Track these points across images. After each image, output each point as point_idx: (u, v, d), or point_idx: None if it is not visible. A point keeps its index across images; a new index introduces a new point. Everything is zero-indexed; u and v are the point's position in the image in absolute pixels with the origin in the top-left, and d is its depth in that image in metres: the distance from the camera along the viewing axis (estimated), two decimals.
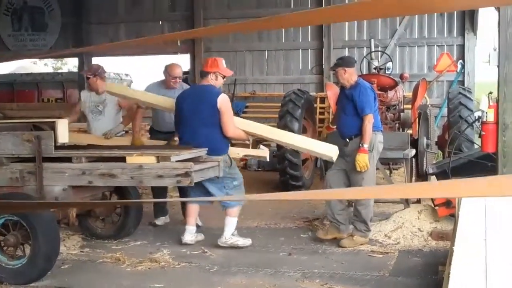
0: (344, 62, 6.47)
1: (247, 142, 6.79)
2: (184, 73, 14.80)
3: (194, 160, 5.72)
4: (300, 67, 13.57)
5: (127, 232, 6.68)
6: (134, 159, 5.52)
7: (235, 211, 6.32)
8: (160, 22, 14.10)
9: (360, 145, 6.13)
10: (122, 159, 5.55)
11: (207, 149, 5.97)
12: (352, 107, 6.28)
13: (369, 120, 6.19)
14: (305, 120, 9.75)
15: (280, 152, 9.05)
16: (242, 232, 6.79)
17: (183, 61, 14.88)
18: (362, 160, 6.08)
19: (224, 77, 6.37)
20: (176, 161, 5.43)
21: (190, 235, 6.40)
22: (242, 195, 6.43)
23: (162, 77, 7.33)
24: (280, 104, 9.60)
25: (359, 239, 6.29)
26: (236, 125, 6.27)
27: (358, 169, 6.12)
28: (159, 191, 7.18)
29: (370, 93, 6.32)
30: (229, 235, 6.25)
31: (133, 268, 5.67)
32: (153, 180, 5.47)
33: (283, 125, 8.96)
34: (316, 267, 5.58)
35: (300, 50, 13.57)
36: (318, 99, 12.63)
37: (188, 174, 5.29)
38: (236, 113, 13.29)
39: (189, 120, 6.20)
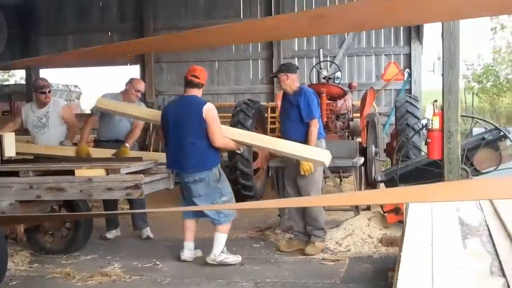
0: (286, 68, 6.55)
1: (239, 151, 6.54)
2: None
3: (145, 172, 5.69)
4: (251, 77, 13.64)
5: (77, 247, 6.57)
6: (83, 172, 5.45)
7: (225, 227, 6.08)
8: (109, 33, 13.98)
9: None
10: (71, 172, 5.47)
11: (155, 161, 5.95)
12: (297, 112, 6.34)
13: (315, 125, 6.29)
14: (256, 130, 9.78)
15: (232, 162, 9.07)
16: (196, 243, 6.77)
17: (133, 72, 14.79)
18: (307, 163, 6.17)
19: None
20: (126, 173, 5.39)
21: (189, 251, 6.22)
22: (231, 212, 6.12)
23: (119, 89, 7.40)
24: (231, 114, 9.62)
25: (321, 245, 6.41)
26: (224, 134, 6.02)
27: (302, 172, 6.22)
28: (110, 204, 7.11)
29: (315, 98, 6.42)
30: (219, 252, 6.00)
31: (84, 283, 5.57)
32: (103, 193, 5.41)
33: None
34: (269, 277, 5.60)
35: (251, 60, 13.64)
36: (269, 109, 12.68)
37: (138, 186, 5.26)
38: None
39: (174, 133, 5.97)
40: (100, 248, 6.82)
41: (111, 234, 7.24)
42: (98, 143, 7.53)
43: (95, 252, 6.60)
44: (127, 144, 6.97)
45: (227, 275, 5.70)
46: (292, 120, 6.39)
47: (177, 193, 6.63)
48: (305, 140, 6.24)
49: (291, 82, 6.41)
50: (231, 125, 9.24)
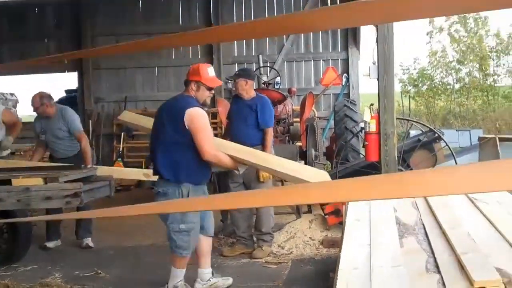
0: (246, 74, 6.64)
1: (238, 172, 5.33)
2: (72, 91, 14.52)
3: (84, 180, 5.62)
4: None
5: (16, 258, 6.42)
6: (20, 181, 5.35)
7: (176, 260, 5.20)
8: (46, 40, 13.71)
9: None
10: (8, 182, 5.36)
11: (97, 167, 5.79)
12: (254, 118, 6.40)
13: (271, 133, 6.43)
14: None
15: None
16: (139, 251, 6.74)
17: (71, 79, 14.51)
18: None
19: (210, 88, 5.12)
20: (65, 182, 5.31)
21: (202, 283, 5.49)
22: (189, 247, 5.13)
23: (56, 96, 7.25)
24: None
25: (268, 249, 6.50)
26: (215, 148, 5.04)
27: (262, 179, 6.24)
28: (54, 213, 6.96)
29: (272, 107, 6.57)
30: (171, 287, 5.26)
31: None
32: (41, 203, 5.32)
33: None
34: None
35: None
36: (210, 115, 12.71)
37: (78, 194, 5.19)
38: (127, 131, 13.16)
39: (154, 137, 5.20)
40: (40, 258, 6.68)
41: (51, 244, 7.11)
42: (52, 161, 7.39)
43: (35, 263, 6.47)
44: (89, 166, 6.69)
45: None
46: (249, 124, 6.43)
47: (121, 200, 6.57)
48: (260, 145, 6.30)
49: (249, 88, 6.52)
50: None
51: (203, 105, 5.08)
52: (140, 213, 1.97)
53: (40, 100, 6.95)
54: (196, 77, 5.08)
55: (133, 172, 8.19)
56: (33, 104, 7.00)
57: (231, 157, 5.10)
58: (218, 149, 5.04)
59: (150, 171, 6.93)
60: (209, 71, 5.16)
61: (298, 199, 3.40)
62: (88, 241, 7.12)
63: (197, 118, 4.93)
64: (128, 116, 6.56)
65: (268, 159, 5.35)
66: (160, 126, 5.11)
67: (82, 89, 13.54)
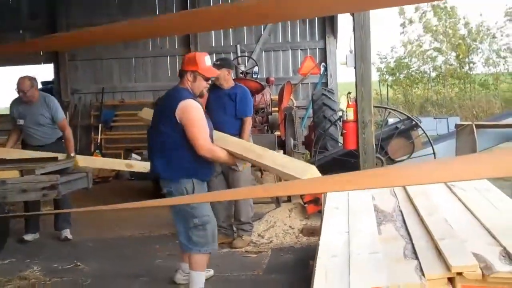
0: (228, 63, 6.68)
1: (237, 168, 5.08)
2: (48, 83, 14.36)
3: (61, 172, 5.57)
4: (169, 74, 13.53)
5: None
6: None
7: (197, 261, 4.79)
8: (21, 31, 13.52)
9: None
10: None
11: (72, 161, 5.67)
12: (233, 107, 6.41)
13: (249, 122, 6.45)
14: None
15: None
16: (118, 243, 6.72)
17: (47, 71, 14.36)
18: None
19: (207, 79, 4.79)
20: (41, 174, 5.26)
21: (181, 274, 5.31)
22: (208, 242, 4.77)
23: None
24: None
25: (248, 238, 6.52)
26: (210, 142, 4.70)
27: (241, 168, 6.22)
28: (32, 206, 6.89)
29: (251, 97, 6.59)
30: None
31: None
32: (18, 195, 5.26)
33: None
34: None
35: (168, 57, 13.55)
36: None
37: (54, 186, 5.15)
38: (105, 122, 13.07)
39: (151, 132, 4.89)
40: (18, 251, 6.61)
41: (29, 237, 7.05)
42: (24, 147, 7.29)
43: (13, 256, 6.40)
44: (72, 154, 6.66)
45: (150, 272, 5.68)
46: (228, 114, 6.42)
47: (99, 192, 6.53)
48: (238, 134, 6.29)
49: (229, 78, 6.57)
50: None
51: (199, 96, 4.83)
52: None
53: (31, 82, 6.85)
54: (193, 66, 4.72)
55: (115, 162, 8.11)
56: (22, 87, 6.80)
57: (229, 152, 4.80)
58: (214, 144, 4.72)
59: (134, 162, 6.90)
60: (206, 60, 4.80)
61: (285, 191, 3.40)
62: (67, 233, 7.07)
63: (189, 111, 4.58)
64: (147, 113, 6.39)
65: (263, 155, 4.90)
66: (154, 121, 4.83)
67: (59, 80, 13.42)
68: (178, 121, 4.55)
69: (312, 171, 4.43)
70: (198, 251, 4.75)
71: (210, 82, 4.89)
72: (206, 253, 4.79)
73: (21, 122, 6.96)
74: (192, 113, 4.58)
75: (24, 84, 6.82)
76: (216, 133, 5.00)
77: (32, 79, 6.91)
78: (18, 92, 6.86)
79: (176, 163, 4.64)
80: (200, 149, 4.56)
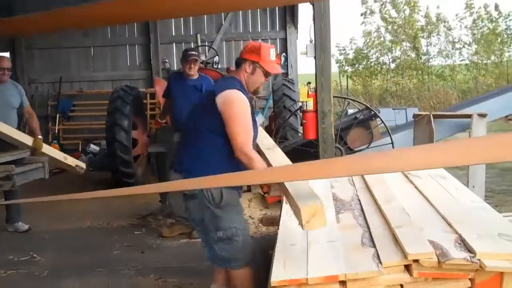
0: (198, 54, 6.68)
1: (261, 192, 4.38)
2: None
3: (17, 162, 5.46)
4: (128, 63, 13.39)
5: None
6: None
7: (235, 276, 4.06)
8: None
9: None
10: None
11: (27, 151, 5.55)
12: (198, 97, 6.36)
13: None
14: (135, 117, 9.64)
15: (111, 149, 8.87)
16: (75, 234, 6.63)
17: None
18: None
19: (267, 75, 4.06)
20: None
21: None
22: (237, 258, 3.98)
23: None
24: (108, 101, 9.40)
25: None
26: (249, 144, 3.80)
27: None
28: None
29: None
30: None
31: None
32: None
33: (113, 122, 8.79)
34: (151, 262, 5.57)
35: (127, 46, 13.39)
36: (148, 95, 12.55)
37: (9, 177, 5.05)
38: (63, 112, 12.86)
39: (186, 126, 4.24)
40: None
41: None
42: None
43: None
44: (40, 136, 6.44)
45: (108, 263, 5.61)
46: (193, 103, 6.37)
47: (56, 182, 6.39)
48: None
49: (196, 68, 6.63)
50: (108, 112, 9.03)
51: (254, 93, 4.18)
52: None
53: (10, 62, 6.73)
54: (255, 56, 4.00)
55: (56, 152, 7.74)
56: (5, 65, 6.67)
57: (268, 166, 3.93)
58: (251, 150, 3.81)
59: (71, 158, 6.62)
60: (272, 53, 4.07)
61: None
62: (20, 224, 6.92)
63: (234, 102, 3.85)
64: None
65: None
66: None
67: (15, 69, 13.11)
68: (219, 111, 3.84)
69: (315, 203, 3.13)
70: (225, 267, 4.10)
71: (268, 79, 4.18)
72: (240, 269, 4.02)
73: None
74: (237, 105, 3.85)
75: (5, 62, 6.71)
76: (265, 136, 4.51)
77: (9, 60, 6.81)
78: None
79: (206, 161, 3.90)
80: (238, 149, 3.75)
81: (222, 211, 3.85)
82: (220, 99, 3.84)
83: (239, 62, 4.07)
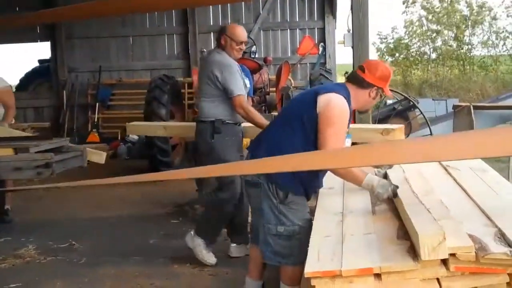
0: None
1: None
2: (45, 61, 14.28)
3: (55, 150, 5.54)
4: (166, 53, 13.47)
5: None
6: None
7: (286, 273, 3.86)
8: (17, 9, 13.35)
9: None
10: None
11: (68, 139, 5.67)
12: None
13: (250, 103, 6.42)
14: (173, 106, 9.71)
15: (149, 139, 8.95)
16: (110, 222, 6.72)
17: (44, 49, 14.20)
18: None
19: (382, 97, 4.04)
20: (36, 152, 5.23)
21: None
22: (293, 255, 3.74)
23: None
24: (146, 91, 9.48)
25: None
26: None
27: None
28: None
29: (251, 77, 6.60)
30: None
31: None
32: (12, 173, 5.25)
33: (150, 112, 8.87)
34: (187, 251, 5.58)
35: (166, 35, 13.46)
36: (186, 85, 12.59)
37: (49, 165, 5.12)
38: (102, 101, 13.01)
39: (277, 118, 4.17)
40: (13, 230, 6.61)
41: None
42: None
43: (9, 235, 6.40)
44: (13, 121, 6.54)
45: (144, 251, 5.67)
46: None
47: (94, 170, 6.47)
48: None
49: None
50: (146, 102, 9.11)
51: (362, 112, 4.12)
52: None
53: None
54: (383, 84, 3.86)
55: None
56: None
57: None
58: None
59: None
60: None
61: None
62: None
63: (334, 108, 3.65)
64: None
65: None
66: (289, 104, 4.06)
67: (56, 59, 13.33)
68: (317, 111, 3.66)
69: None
70: (278, 263, 3.86)
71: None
72: (294, 266, 3.78)
73: None
74: (337, 112, 3.65)
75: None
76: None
77: None
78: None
79: (283, 148, 3.65)
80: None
81: (287, 207, 3.76)
82: (322, 98, 3.68)
83: (359, 80, 3.85)
